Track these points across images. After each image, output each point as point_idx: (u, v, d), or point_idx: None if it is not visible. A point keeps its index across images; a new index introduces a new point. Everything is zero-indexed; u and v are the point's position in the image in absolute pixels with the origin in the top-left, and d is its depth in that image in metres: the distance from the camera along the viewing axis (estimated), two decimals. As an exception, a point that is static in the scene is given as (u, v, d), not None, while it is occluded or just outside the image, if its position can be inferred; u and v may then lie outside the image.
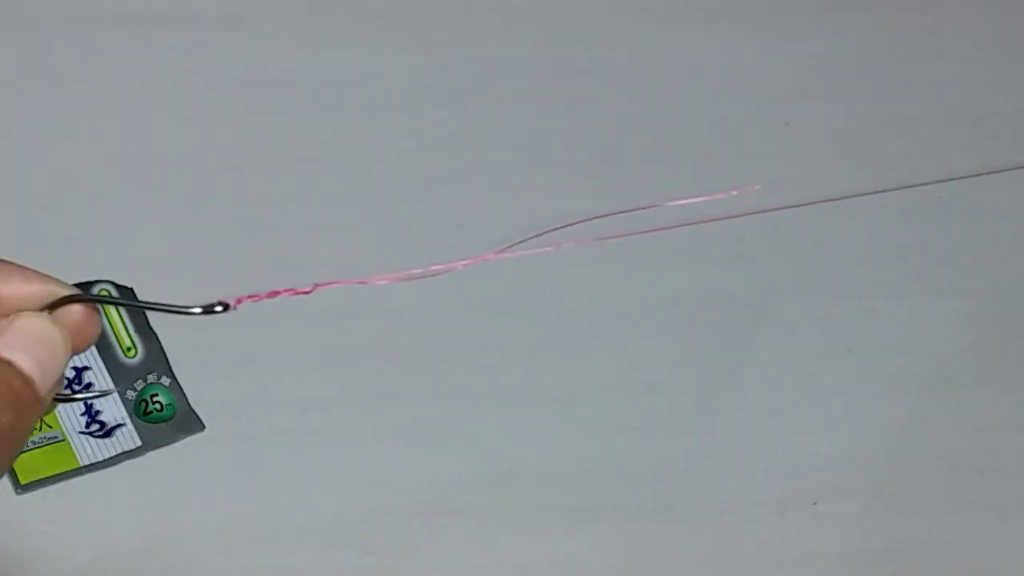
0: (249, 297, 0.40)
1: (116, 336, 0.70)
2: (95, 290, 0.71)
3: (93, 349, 0.69)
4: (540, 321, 0.74)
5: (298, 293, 0.40)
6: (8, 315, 0.37)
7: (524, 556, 0.68)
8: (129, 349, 0.70)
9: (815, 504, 0.70)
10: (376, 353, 0.73)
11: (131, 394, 0.70)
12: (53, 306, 0.37)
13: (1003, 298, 0.77)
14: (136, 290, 0.71)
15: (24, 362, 0.35)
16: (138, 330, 0.71)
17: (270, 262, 0.74)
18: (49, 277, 0.38)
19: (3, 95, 0.79)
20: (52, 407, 0.37)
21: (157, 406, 0.69)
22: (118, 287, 0.71)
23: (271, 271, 0.74)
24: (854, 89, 0.83)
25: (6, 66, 0.80)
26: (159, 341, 0.71)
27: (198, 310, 0.39)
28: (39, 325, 0.36)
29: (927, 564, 0.69)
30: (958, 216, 0.79)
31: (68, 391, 0.38)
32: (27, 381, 0.35)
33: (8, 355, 0.35)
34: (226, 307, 0.40)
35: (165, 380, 0.70)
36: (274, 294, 0.40)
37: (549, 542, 0.69)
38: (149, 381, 0.70)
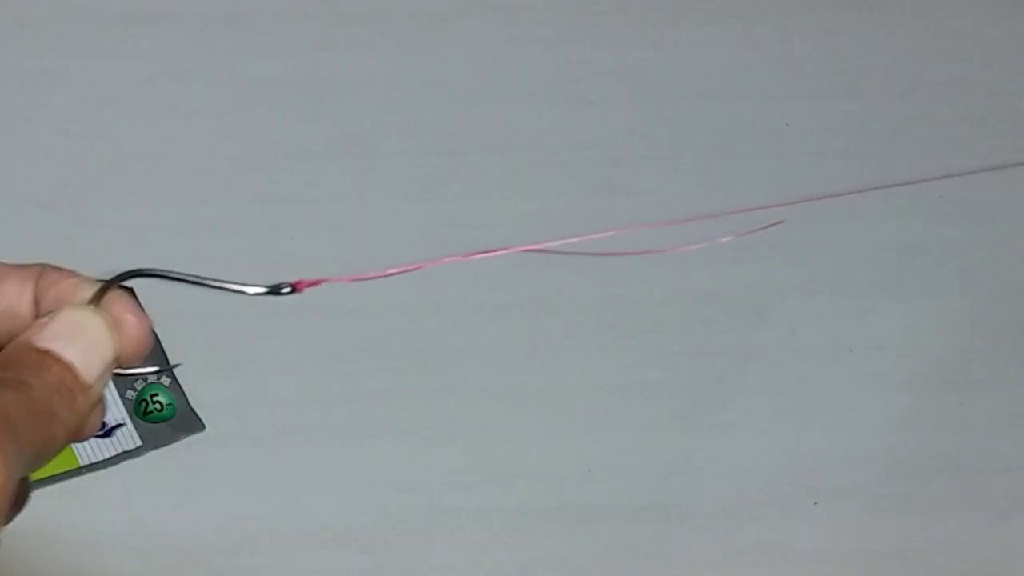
0: (311, 283, 0.41)
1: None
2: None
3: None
4: (540, 321, 0.74)
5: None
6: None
7: (524, 556, 0.68)
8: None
9: (815, 504, 0.70)
10: (376, 353, 0.73)
11: (131, 394, 0.70)
12: (97, 299, 0.38)
13: (1003, 298, 0.77)
14: (136, 290, 0.71)
15: (63, 350, 0.36)
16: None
17: (270, 262, 0.74)
18: (95, 278, 0.39)
19: (3, 95, 0.79)
20: (103, 390, 0.37)
21: (157, 406, 0.69)
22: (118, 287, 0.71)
23: (271, 271, 0.74)
24: (854, 89, 0.83)
25: (6, 66, 0.80)
26: (159, 341, 0.71)
27: (262, 290, 0.40)
28: (78, 315, 0.37)
29: (927, 564, 0.69)
30: (958, 216, 0.79)
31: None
32: (66, 366, 0.35)
33: (47, 345, 0.36)
34: (293, 289, 0.40)
35: (165, 380, 0.70)
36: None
37: (549, 542, 0.69)
38: (149, 381, 0.70)
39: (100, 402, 0.37)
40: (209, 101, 0.80)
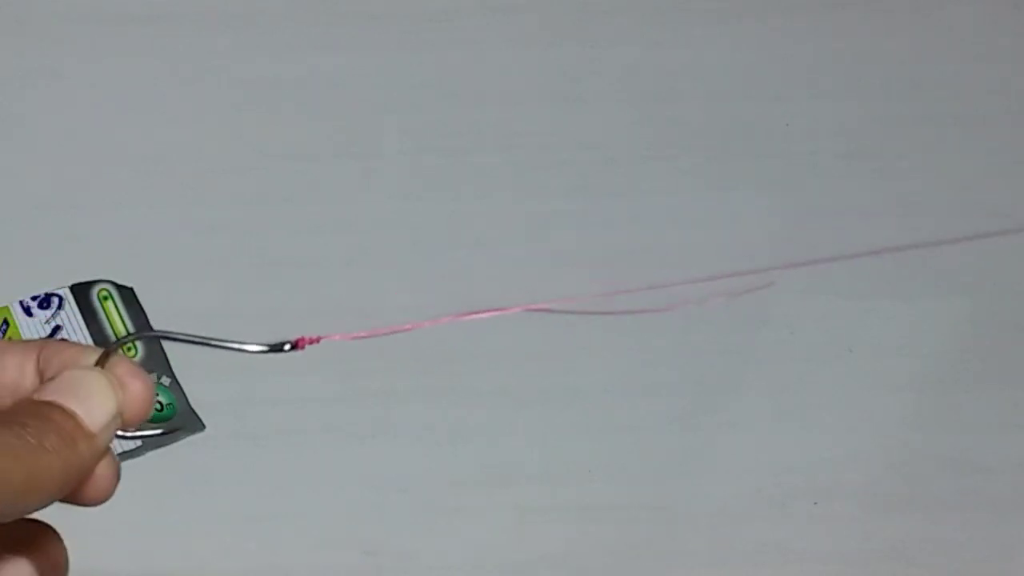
0: (311, 341, 0.41)
1: (116, 335, 0.70)
2: (95, 289, 0.71)
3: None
4: (540, 321, 0.74)
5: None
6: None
7: (524, 556, 0.68)
8: (129, 349, 0.70)
9: (815, 504, 0.70)
10: (376, 353, 0.73)
11: (131, 394, 0.69)
12: (102, 363, 0.39)
13: (1003, 298, 0.77)
14: (136, 290, 0.71)
15: (66, 401, 0.37)
16: (138, 330, 0.71)
17: (270, 262, 0.74)
18: (96, 347, 0.40)
19: (3, 95, 0.79)
20: (107, 442, 0.38)
21: (157, 406, 0.69)
22: (118, 287, 0.71)
23: (271, 271, 0.74)
24: (854, 89, 0.84)
25: (6, 66, 0.80)
26: (162, 347, 0.71)
27: (263, 348, 0.41)
28: (79, 373, 0.38)
29: (927, 564, 0.69)
30: (958, 216, 0.79)
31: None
32: (68, 413, 0.37)
33: (49, 398, 0.37)
34: (294, 346, 0.41)
35: (165, 380, 0.70)
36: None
37: (549, 542, 0.69)
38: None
39: (107, 454, 0.38)
40: (209, 101, 0.80)
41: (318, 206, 0.77)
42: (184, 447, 0.69)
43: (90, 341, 0.68)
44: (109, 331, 0.70)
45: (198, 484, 0.69)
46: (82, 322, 0.70)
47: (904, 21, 0.86)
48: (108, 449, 0.38)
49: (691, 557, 0.69)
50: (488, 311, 0.40)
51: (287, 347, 0.41)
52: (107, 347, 0.39)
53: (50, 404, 0.37)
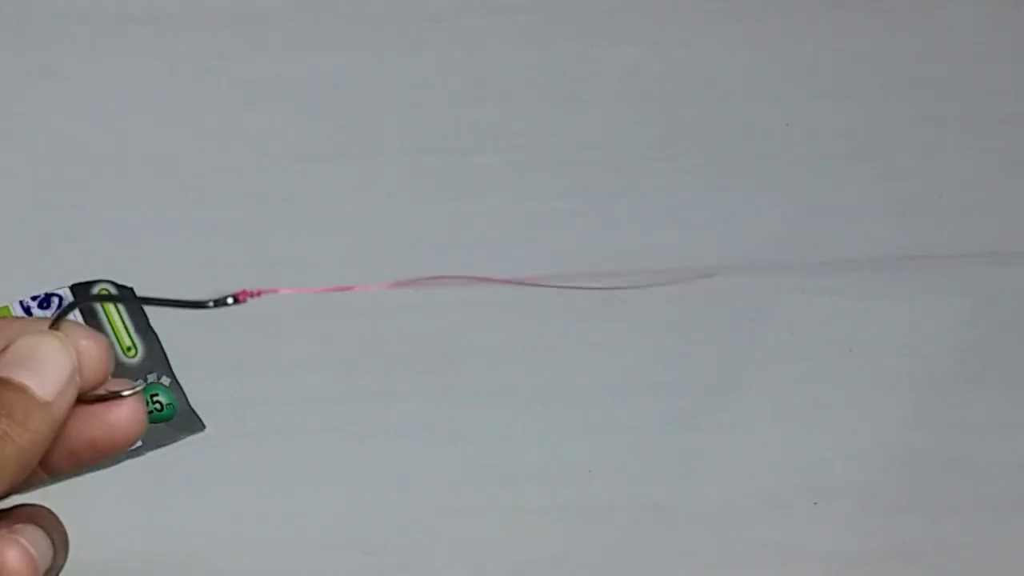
0: (252, 294, 0.41)
1: (116, 336, 0.70)
2: (95, 290, 0.71)
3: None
4: (540, 321, 0.74)
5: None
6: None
7: (524, 556, 0.68)
8: (129, 349, 0.70)
9: (815, 504, 0.70)
10: (376, 353, 0.73)
11: (131, 394, 0.69)
12: (55, 325, 0.39)
13: (1003, 298, 0.77)
14: (136, 290, 0.71)
15: (13, 373, 0.37)
16: (138, 330, 0.71)
17: (270, 262, 0.74)
18: (46, 319, 0.39)
19: (3, 95, 0.79)
20: (65, 406, 0.38)
21: (157, 406, 0.69)
22: (118, 287, 0.71)
23: (271, 271, 0.74)
24: (854, 89, 0.84)
25: (6, 66, 0.80)
26: (159, 341, 0.71)
27: (210, 304, 0.41)
28: (28, 340, 0.38)
29: (927, 564, 0.69)
30: (958, 216, 0.79)
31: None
32: (17, 388, 0.36)
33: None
34: (236, 300, 0.41)
35: (165, 380, 0.70)
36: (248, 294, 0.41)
37: (549, 542, 0.69)
38: (149, 381, 0.70)
39: (64, 418, 0.38)
40: (209, 101, 0.80)
41: (318, 206, 0.77)
42: (184, 447, 0.69)
43: (90, 341, 0.68)
44: (109, 331, 0.70)
45: (198, 484, 0.69)
46: (82, 322, 0.70)
47: (904, 21, 0.86)
48: (69, 411, 0.38)
49: (691, 557, 0.69)
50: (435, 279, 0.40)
51: (230, 300, 0.41)
52: (56, 314, 0.39)
53: (0, 381, 0.36)
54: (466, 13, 0.84)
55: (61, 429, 0.38)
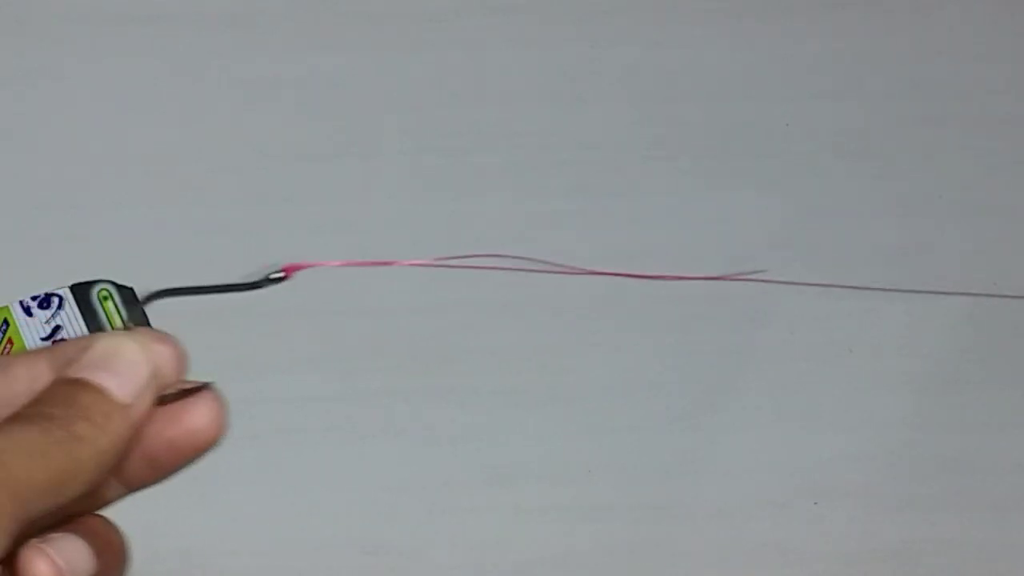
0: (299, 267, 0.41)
1: (116, 336, 0.70)
2: (95, 290, 0.71)
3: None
4: (540, 321, 0.74)
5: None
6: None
7: (524, 556, 0.68)
8: (129, 349, 0.70)
9: (815, 504, 0.70)
10: (376, 353, 0.73)
11: (131, 394, 0.69)
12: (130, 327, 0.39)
13: (1003, 298, 0.77)
14: (136, 290, 0.71)
15: (93, 375, 0.36)
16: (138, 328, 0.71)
17: (270, 262, 0.74)
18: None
19: (3, 95, 0.79)
20: (143, 410, 0.37)
21: (157, 406, 0.69)
22: (118, 287, 0.71)
23: (271, 271, 0.74)
24: (854, 89, 0.83)
25: (6, 66, 0.80)
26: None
27: (264, 283, 0.41)
28: (109, 340, 0.38)
29: (927, 564, 0.69)
30: (958, 216, 0.79)
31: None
32: (96, 390, 0.36)
33: (77, 375, 0.36)
34: (284, 275, 0.41)
35: (165, 380, 0.70)
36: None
37: (549, 542, 0.69)
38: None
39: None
40: (209, 101, 0.80)
41: (318, 206, 0.77)
42: (184, 447, 0.69)
43: (90, 341, 0.68)
44: (108, 330, 0.70)
45: (198, 484, 0.69)
46: (82, 322, 0.70)
47: (904, 21, 0.86)
48: (150, 411, 0.37)
49: (691, 557, 0.69)
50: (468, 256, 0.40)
51: (278, 275, 0.41)
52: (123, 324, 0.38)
53: (78, 383, 0.36)
54: (466, 13, 0.84)
55: (138, 433, 0.37)
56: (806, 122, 0.82)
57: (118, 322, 0.63)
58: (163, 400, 0.38)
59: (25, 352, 0.39)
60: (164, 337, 0.39)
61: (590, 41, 0.84)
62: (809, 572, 0.69)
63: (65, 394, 0.36)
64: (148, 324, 0.74)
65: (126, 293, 0.72)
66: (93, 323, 0.61)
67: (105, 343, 0.38)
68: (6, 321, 0.72)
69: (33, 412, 0.35)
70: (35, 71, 0.80)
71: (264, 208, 0.77)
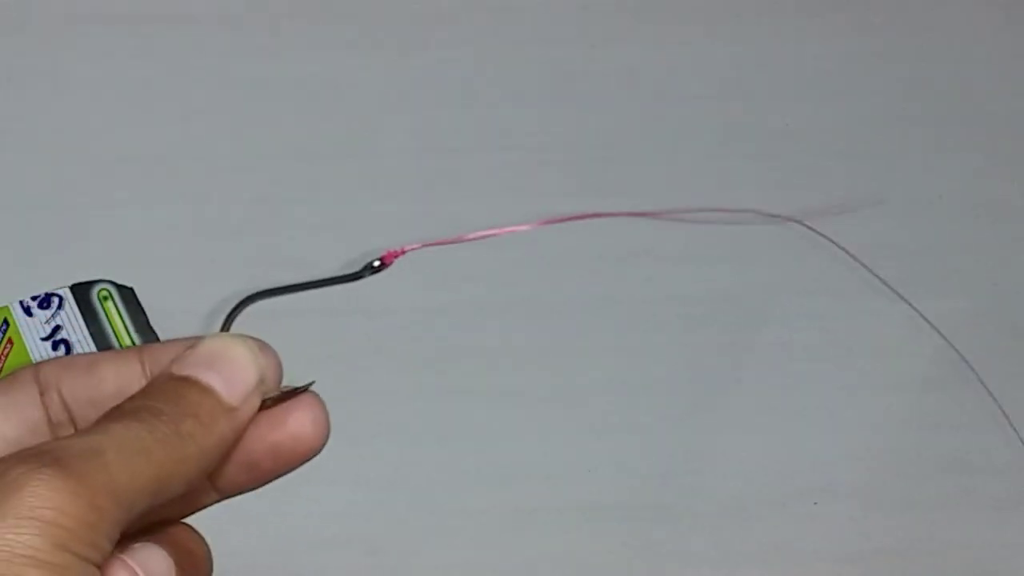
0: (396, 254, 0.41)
1: (116, 335, 0.70)
2: (95, 290, 0.71)
3: (93, 349, 0.69)
4: (540, 321, 0.74)
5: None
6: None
7: (524, 556, 0.68)
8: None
9: (815, 504, 0.70)
10: (376, 353, 0.73)
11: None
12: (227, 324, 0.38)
13: (1003, 298, 0.77)
14: (136, 290, 0.71)
15: (203, 375, 0.35)
16: (138, 330, 0.71)
17: (270, 262, 0.74)
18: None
19: (3, 95, 0.79)
20: (249, 415, 0.36)
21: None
22: (118, 287, 0.71)
23: (271, 271, 0.74)
24: (854, 89, 0.84)
25: (6, 66, 0.80)
26: (159, 340, 0.71)
27: (366, 273, 0.41)
28: (220, 341, 0.36)
29: (927, 564, 0.69)
30: (958, 216, 0.79)
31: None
32: (205, 389, 0.35)
33: (186, 372, 0.35)
34: (383, 263, 0.41)
35: (165, 380, 0.70)
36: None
37: (549, 542, 0.69)
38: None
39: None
40: (209, 101, 0.80)
41: (318, 206, 0.77)
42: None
43: (90, 341, 0.68)
44: (109, 331, 0.70)
45: (198, 484, 0.69)
46: (82, 322, 0.70)
47: (904, 21, 0.86)
48: (253, 416, 0.36)
49: (691, 557, 0.69)
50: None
51: (377, 263, 0.41)
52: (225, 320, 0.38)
53: (186, 381, 0.35)
54: (466, 13, 0.84)
55: (241, 437, 0.36)
56: (806, 122, 0.82)
57: (118, 322, 0.63)
58: (264, 404, 0.38)
59: (112, 351, 0.37)
60: (266, 345, 0.38)
61: (590, 41, 0.84)
62: (809, 572, 0.69)
63: (173, 390, 0.35)
64: (148, 324, 0.74)
65: (126, 293, 0.73)
66: (93, 323, 0.62)
67: (213, 343, 0.36)
68: (6, 321, 0.72)
69: (138, 406, 0.34)
70: (35, 71, 0.80)
71: (264, 208, 0.77)
